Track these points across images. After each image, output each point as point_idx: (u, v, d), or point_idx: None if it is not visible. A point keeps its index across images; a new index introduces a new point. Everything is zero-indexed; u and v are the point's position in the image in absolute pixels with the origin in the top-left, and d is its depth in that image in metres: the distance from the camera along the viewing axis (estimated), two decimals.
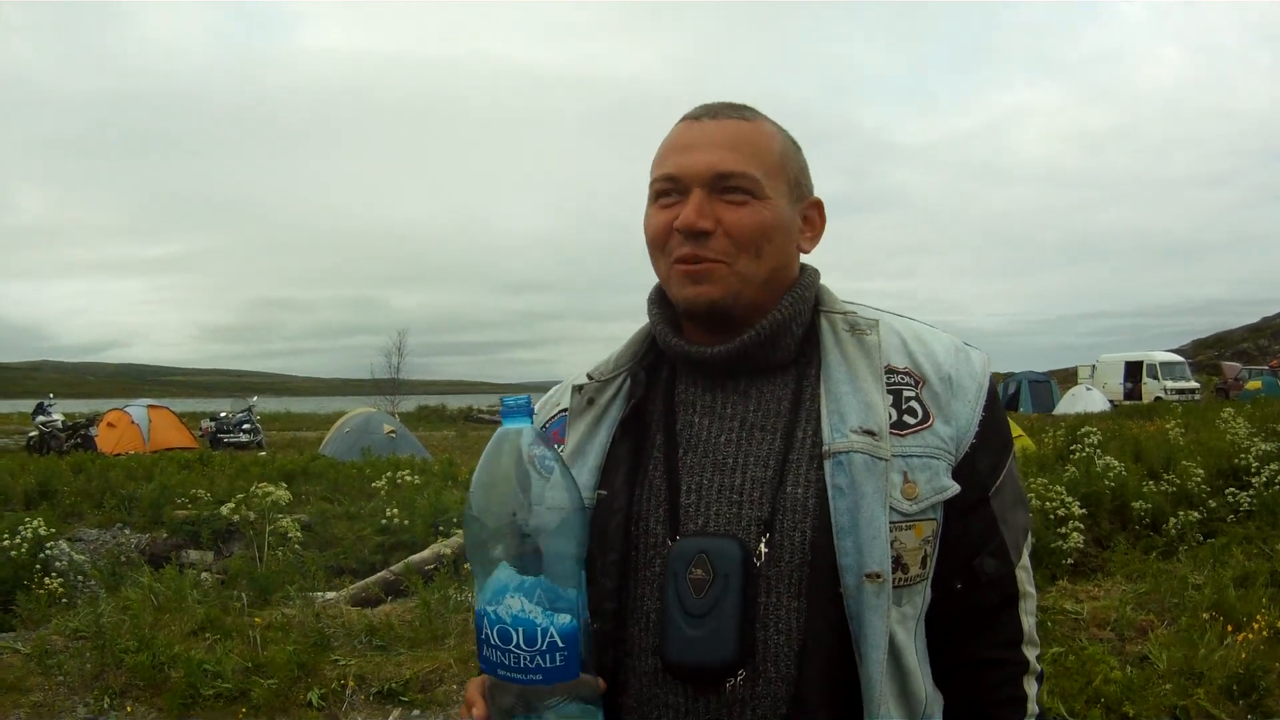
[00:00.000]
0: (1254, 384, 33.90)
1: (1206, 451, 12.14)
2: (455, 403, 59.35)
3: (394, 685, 5.47)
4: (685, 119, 1.32)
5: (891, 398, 1.24)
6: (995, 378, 1.35)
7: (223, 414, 28.25)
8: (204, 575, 9.10)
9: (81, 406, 51.80)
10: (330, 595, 8.15)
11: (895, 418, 1.22)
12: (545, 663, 1.07)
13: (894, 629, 1.16)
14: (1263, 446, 10.99)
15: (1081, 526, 8.59)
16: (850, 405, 1.22)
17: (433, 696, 5.39)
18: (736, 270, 1.25)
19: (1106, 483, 10.06)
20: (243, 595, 7.07)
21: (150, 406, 26.22)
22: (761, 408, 1.28)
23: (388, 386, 41.08)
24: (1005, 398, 35.42)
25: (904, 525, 1.18)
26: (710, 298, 1.24)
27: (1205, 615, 5.41)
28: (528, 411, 1.15)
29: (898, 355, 1.28)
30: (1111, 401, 32.82)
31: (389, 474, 12.57)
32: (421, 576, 8.20)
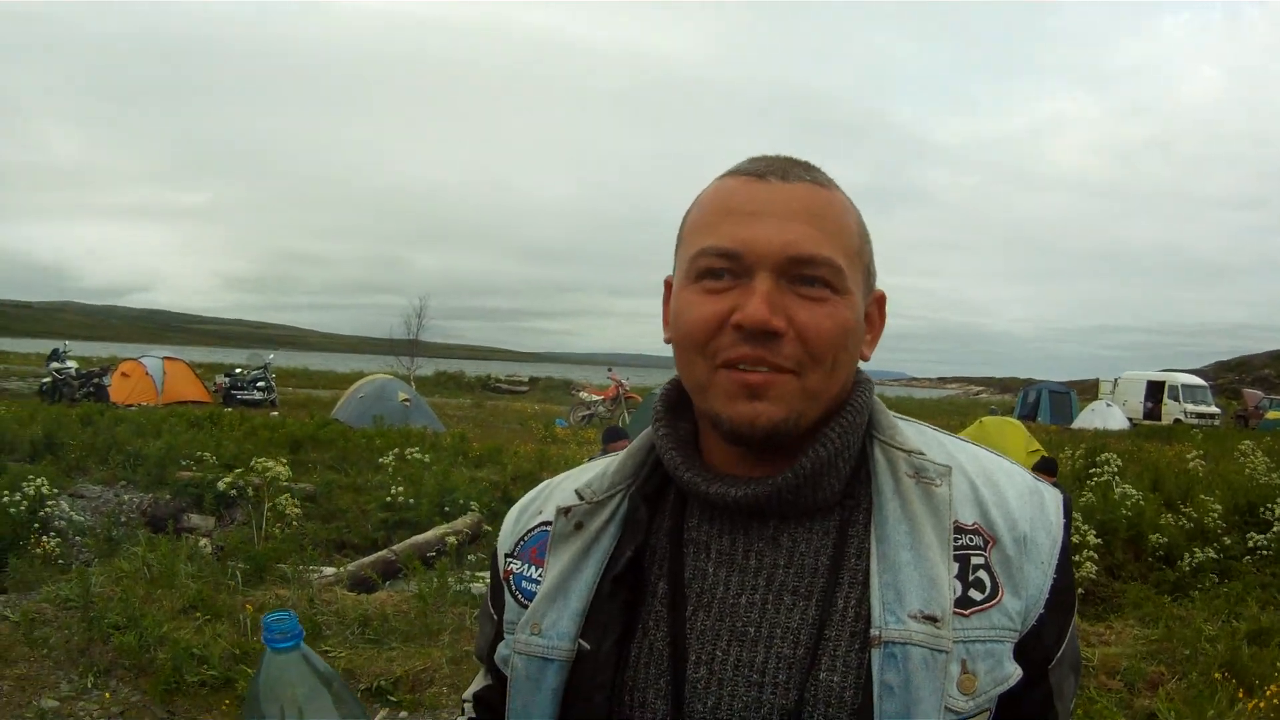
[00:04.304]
0: (1275, 414, 33.43)
1: (1225, 485, 11.95)
2: (473, 369, 59.56)
3: (383, 683, 5.37)
4: (740, 175, 1.03)
5: (957, 565, 0.99)
6: (1072, 511, 1.11)
7: (238, 370, 28.21)
8: (203, 542, 9.02)
9: (102, 350, 52.16)
10: (329, 571, 8.06)
11: (960, 592, 0.98)
12: None
13: None
14: None
15: (1095, 556, 8.45)
16: (910, 580, 0.97)
17: (421, 698, 5.28)
18: (806, 386, 0.98)
19: (1124, 512, 9.91)
20: (237, 573, 6.97)
21: (166, 358, 26.28)
22: (795, 563, 1.02)
23: (405, 349, 40.82)
24: (1026, 407, 35.50)
25: None
26: (772, 420, 0.97)
27: (1217, 675, 5.24)
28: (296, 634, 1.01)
29: (967, 507, 1.03)
30: (1131, 420, 32.62)
31: (397, 449, 12.49)
32: (422, 561, 8.10)
